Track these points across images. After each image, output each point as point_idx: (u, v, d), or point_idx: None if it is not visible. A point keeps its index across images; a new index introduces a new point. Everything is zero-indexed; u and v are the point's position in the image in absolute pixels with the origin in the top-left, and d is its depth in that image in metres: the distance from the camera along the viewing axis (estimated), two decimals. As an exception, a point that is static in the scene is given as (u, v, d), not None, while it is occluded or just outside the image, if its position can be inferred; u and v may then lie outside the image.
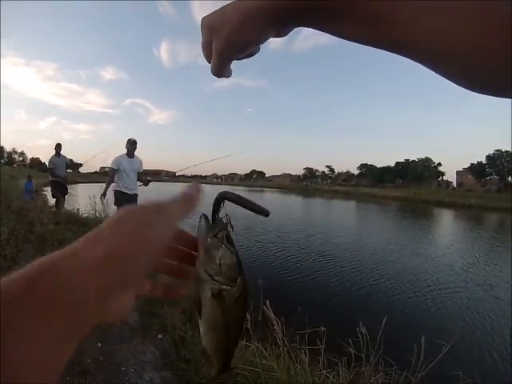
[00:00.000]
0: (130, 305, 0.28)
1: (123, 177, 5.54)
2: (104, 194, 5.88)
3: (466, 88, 0.30)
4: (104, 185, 5.85)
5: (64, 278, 0.21)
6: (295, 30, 0.35)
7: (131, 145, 5.67)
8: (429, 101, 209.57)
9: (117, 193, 5.59)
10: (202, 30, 0.34)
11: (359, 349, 2.34)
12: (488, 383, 3.22)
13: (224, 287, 0.33)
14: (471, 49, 0.25)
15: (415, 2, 0.26)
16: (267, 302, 2.44)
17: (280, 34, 0.34)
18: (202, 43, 0.35)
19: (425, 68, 0.30)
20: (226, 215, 0.37)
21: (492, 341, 4.10)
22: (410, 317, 4.75)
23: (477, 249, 10.72)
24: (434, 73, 0.30)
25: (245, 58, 0.37)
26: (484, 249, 10.78)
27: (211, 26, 0.33)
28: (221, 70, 0.35)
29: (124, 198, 5.56)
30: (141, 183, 5.91)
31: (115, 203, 5.70)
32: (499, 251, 10.67)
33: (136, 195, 5.83)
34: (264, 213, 0.37)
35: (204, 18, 0.34)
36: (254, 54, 0.37)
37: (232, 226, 0.37)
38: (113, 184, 5.64)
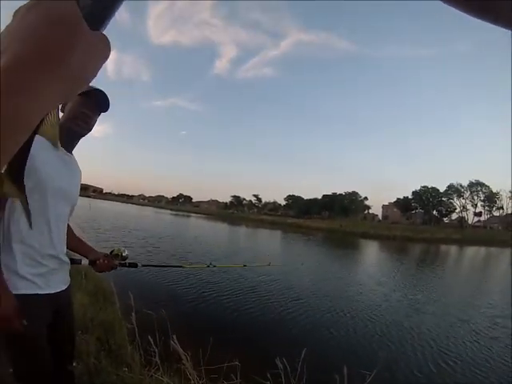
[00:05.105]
0: None
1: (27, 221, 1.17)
2: None
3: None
4: None
5: None
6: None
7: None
8: (363, 139, 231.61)
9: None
10: None
11: (279, 382, 2.31)
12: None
13: None
14: None
15: None
16: (174, 337, 2.33)
17: None
18: None
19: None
20: None
21: (416, 366, 4.41)
22: (331, 347, 4.90)
23: (396, 276, 11.83)
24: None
25: None
26: (403, 276, 11.99)
27: None
28: None
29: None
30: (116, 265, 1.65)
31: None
32: (418, 278, 12.03)
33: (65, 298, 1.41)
34: None
35: None
36: None
37: None
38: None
